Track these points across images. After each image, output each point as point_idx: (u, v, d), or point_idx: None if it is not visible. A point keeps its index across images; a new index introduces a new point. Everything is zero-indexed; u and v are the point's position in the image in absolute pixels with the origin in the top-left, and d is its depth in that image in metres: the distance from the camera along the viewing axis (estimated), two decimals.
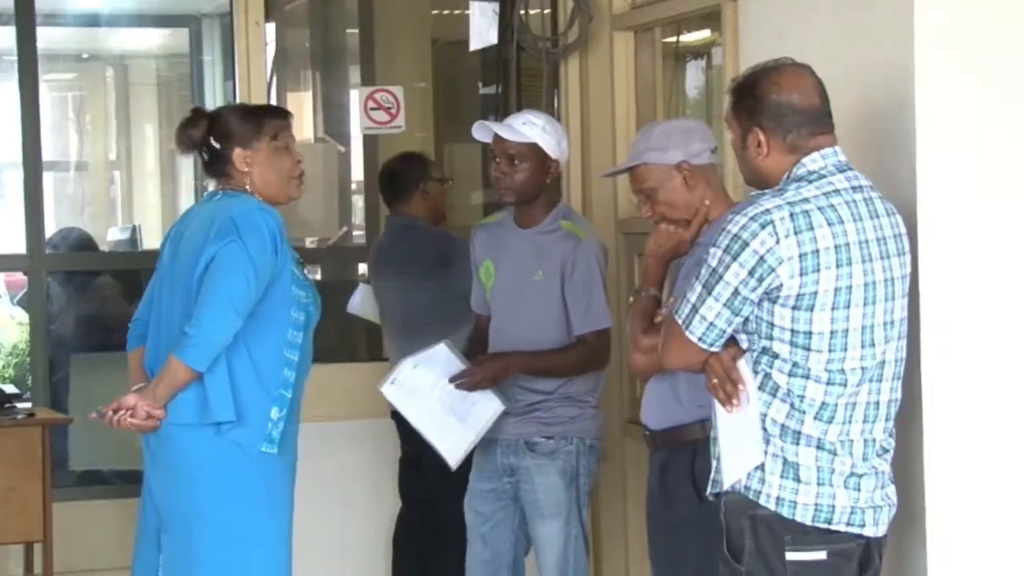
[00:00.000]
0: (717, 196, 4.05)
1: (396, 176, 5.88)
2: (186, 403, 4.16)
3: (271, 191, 4.34)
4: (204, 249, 4.16)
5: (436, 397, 4.84)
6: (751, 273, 3.32)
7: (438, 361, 4.90)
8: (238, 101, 6.16)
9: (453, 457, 4.83)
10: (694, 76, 6.62)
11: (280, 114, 4.47)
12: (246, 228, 4.14)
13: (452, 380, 4.79)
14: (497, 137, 4.82)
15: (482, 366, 4.81)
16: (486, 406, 4.80)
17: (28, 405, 6.77)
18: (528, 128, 4.80)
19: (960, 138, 3.72)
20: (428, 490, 5.23)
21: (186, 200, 9.56)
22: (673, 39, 6.15)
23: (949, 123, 3.70)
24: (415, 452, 5.64)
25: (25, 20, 7.54)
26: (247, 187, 4.31)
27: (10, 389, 7.00)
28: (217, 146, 4.33)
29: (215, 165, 4.37)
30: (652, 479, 4.17)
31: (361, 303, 6.08)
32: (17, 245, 7.74)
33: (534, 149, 4.80)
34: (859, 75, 3.86)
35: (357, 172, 8.22)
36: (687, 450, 3.94)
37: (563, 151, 4.88)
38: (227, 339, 4.11)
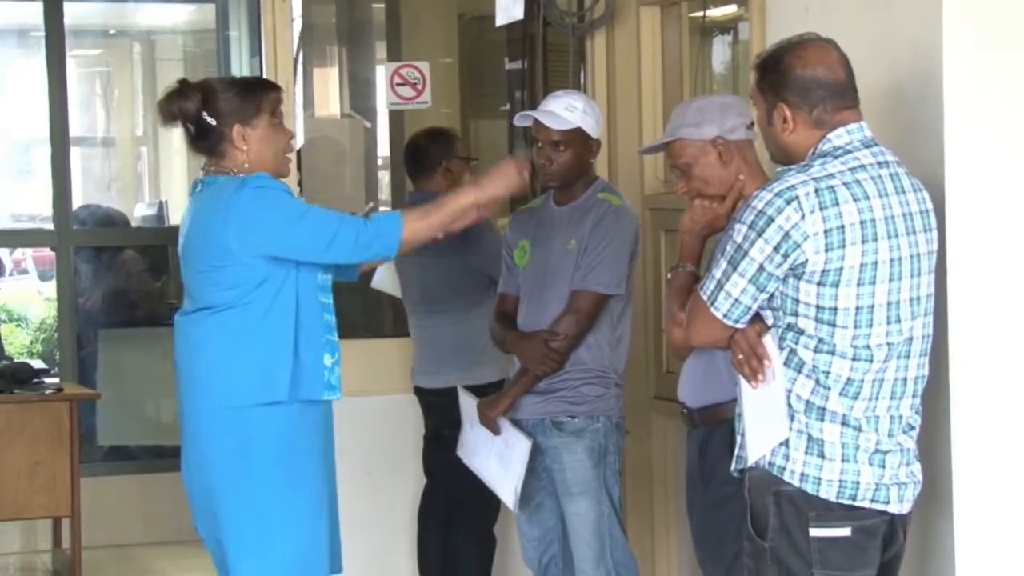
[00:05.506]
0: (752, 172, 4.01)
1: (420, 151, 5.85)
2: (243, 382, 4.00)
3: (265, 169, 4.11)
4: (225, 249, 3.99)
5: (487, 450, 4.93)
6: (776, 249, 3.31)
7: (469, 410, 5.01)
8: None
9: (511, 501, 4.88)
10: (721, 51, 6.59)
11: (275, 88, 4.24)
12: (259, 189, 4.01)
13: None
14: (540, 124, 4.77)
15: (487, 410, 4.86)
16: (519, 447, 4.83)
17: (56, 380, 6.81)
18: (570, 113, 4.73)
19: (988, 113, 3.69)
20: (450, 466, 5.23)
21: None
22: (699, 14, 6.12)
23: (977, 98, 3.68)
24: (437, 429, 5.65)
25: None
26: (236, 169, 4.10)
27: (38, 364, 7.03)
28: (212, 122, 4.09)
29: (207, 142, 4.13)
30: (691, 458, 4.16)
31: (383, 278, 6.06)
32: (44, 221, 7.79)
33: (578, 133, 4.75)
34: (886, 49, 3.84)
35: (383, 148, 8.23)
36: (726, 428, 3.89)
37: (600, 127, 4.86)
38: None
